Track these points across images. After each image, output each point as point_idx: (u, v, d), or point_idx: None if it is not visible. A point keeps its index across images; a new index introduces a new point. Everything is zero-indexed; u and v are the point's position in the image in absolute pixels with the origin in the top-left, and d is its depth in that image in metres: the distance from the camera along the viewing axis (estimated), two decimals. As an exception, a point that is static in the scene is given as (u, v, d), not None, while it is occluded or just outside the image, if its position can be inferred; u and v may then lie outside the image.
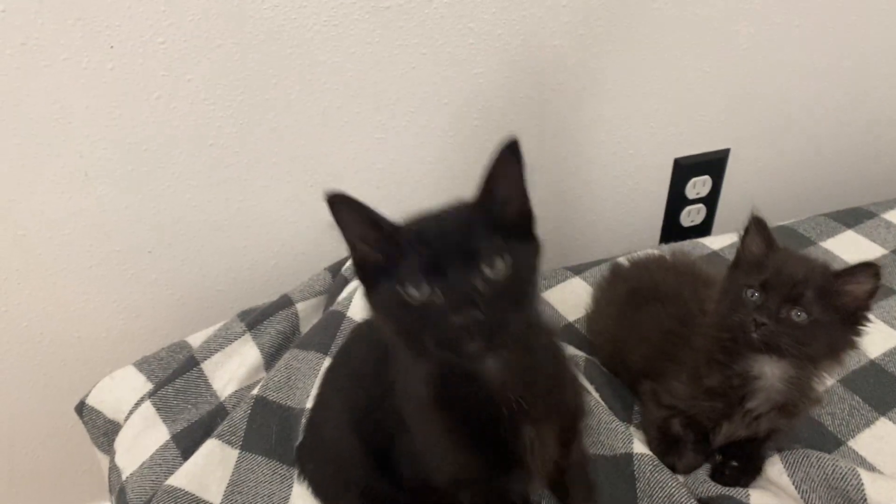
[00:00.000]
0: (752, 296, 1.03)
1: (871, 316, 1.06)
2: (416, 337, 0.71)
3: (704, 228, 1.94)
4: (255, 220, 1.54)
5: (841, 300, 1.02)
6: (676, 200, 1.87)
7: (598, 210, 1.83)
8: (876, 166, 2.04)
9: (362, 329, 1.14)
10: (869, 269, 1.01)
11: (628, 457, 1.12)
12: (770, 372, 1.06)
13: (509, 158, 0.74)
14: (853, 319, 1.04)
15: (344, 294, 1.37)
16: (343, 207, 0.71)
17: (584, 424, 0.99)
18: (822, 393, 1.15)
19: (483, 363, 0.76)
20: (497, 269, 0.71)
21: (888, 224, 1.70)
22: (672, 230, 1.92)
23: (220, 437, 1.18)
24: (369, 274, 0.74)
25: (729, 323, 1.04)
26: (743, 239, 1.10)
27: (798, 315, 1.00)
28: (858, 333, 1.06)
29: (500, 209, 0.73)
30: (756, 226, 1.09)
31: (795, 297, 1.00)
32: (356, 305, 1.34)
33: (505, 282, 0.71)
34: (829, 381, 1.13)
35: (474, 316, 0.68)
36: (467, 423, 0.83)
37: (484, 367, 0.78)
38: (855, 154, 2.00)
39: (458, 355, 0.70)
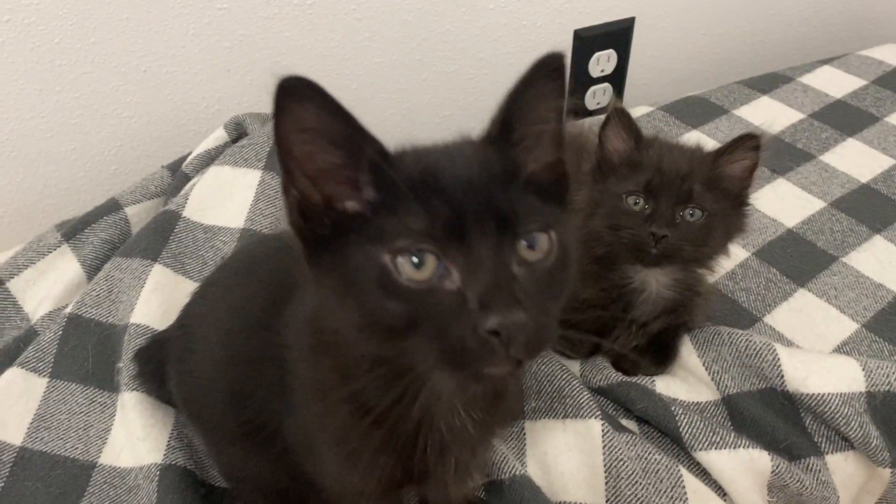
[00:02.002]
0: (634, 204, 0.88)
1: (752, 192, 0.94)
2: (403, 340, 0.48)
3: (612, 111, 1.77)
4: (80, 115, 1.29)
5: (726, 183, 0.90)
6: (580, 79, 1.68)
7: (492, 93, 1.61)
8: (792, 30, 1.89)
9: (265, 246, 0.87)
10: (749, 141, 0.88)
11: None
12: (654, 280, 0.93)
13: (548, 84, 0.52)
14: (739, 200, 0.92)
15: (182, 192, 1.15)
16: (303, 103, 0.46)
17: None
18: (712, 284, 1.03)
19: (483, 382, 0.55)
20: (539, 247, 0.50)
21: (805, 88, 1.56)
22: (577, 115, 1.74)
23: (23, 364, 0.98)
24: (321, 224, 0.50)
25: (614, 240, 0.89)
26: (602, 136, 0.92)
27: (692, 214, 0.87)
28: (746, 215, 0.93)
29: (526, 159, 0.53)
30: (619, 118, 0.91)
31: (686, 195, 0.87)
32: (194, 204, 1.12)
33: (547, 268, 0.50)
34: (717, 272, 1.01)
35: (516, 319, 0.45)
36: (387, 438, 0.61)
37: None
38: (769, 18, 1.84)
39: (474, 372, 0.48)
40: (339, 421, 0.62)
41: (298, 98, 0.45)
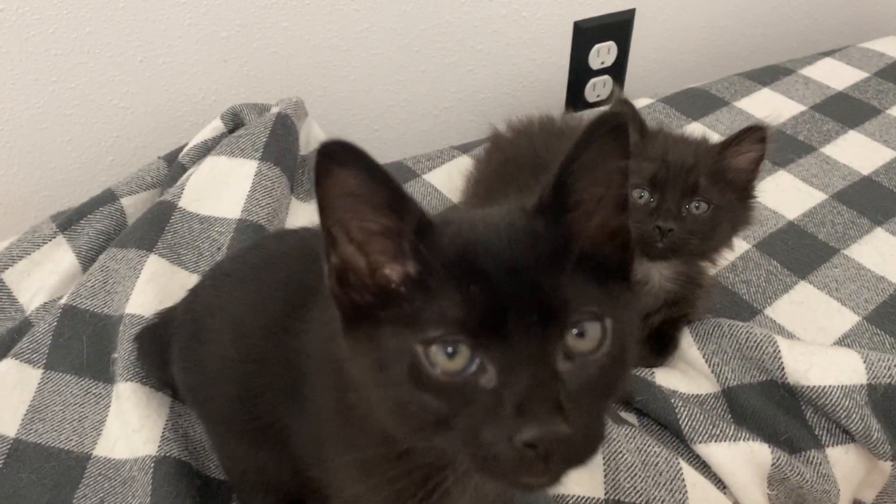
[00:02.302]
0: (640, 197, 0.87)
1: (757, 185, 0.93)
2: (434, 436, 0.45)
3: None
4: (75, 106, 1.28)
5: (731, 176, 0.89)
6: (580, 71, 1.67)
7: (492, 86, 1.62)
8: (793, 22, 1.87)
9: (285, 243, 0.82)
10: (755, 133, 0.87)
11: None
12: (657, 273, 0.92)
13: (608, 143, 0.46)
14: (745, 193, 0.91)
15: (178, 182, 1.14)
16: (346, 167, 0.43)
17: None
18: (712, 277, 1.02)
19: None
20: (590, 337, 0.46)
21: (807, 80, 1.55)
22: (577, 107, 1.73)
23: (17, 356, 0.97)
24: (360, 294, 0.47)
25: None
26: None
27: (698, 207, 0.86)
28: (752, 207, 0.93)
29: (582, 228, 0.48)
30: (623, 109, 0.90)
31: (692, 188, 0.85)
32: (190, 195, 1.11)
33: (598, 362, 0.46)
34: (719, 265, 1.01)
35: (555, 431, 0.41)
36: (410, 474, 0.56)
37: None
38: (771, 10, 1.83)
39: (503, 482, 0.45)
40: (362, 453, 0.59)
41: (341, 162, 0.43)
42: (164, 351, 0.84)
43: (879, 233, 1.19)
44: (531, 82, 1.65)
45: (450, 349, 0.44)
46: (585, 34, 1.61)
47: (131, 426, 0.89)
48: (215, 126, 1.23)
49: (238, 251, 0.95)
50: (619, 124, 0.47)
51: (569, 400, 0.42)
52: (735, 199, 0.90)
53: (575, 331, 0.45)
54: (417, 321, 0.45)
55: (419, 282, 0.45)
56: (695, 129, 1.37)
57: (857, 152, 1.35)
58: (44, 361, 0.97)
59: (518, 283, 0.44)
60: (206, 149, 1.20)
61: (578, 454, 0.44)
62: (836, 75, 1.56)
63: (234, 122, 1.23)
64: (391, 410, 0.47)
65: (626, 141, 0.47)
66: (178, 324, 0.82)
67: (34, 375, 0.96)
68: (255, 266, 0.79)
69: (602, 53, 1.65)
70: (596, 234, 0.48)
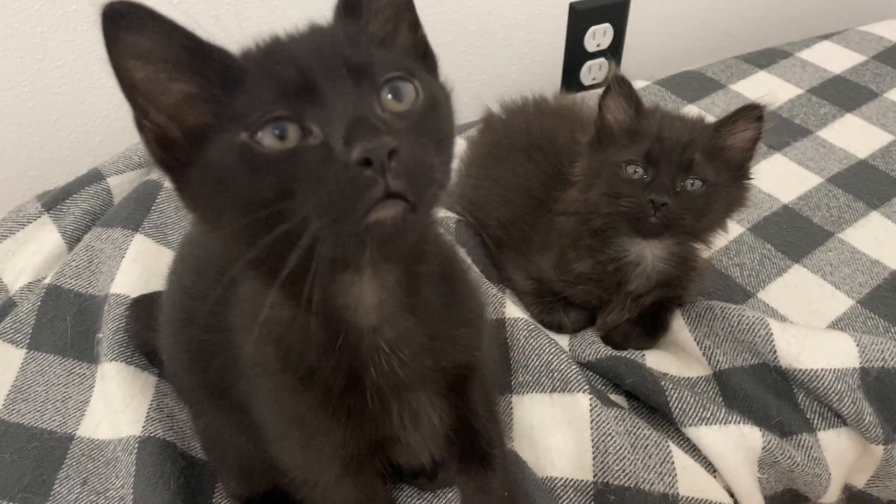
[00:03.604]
0: (634, 173, 0.86)
1: (753, 165, 0.92)
2: (283, 205, 0.44)
3: (608, 86, 1.74)
4: (62, 84, 1.26)
5: (727, 154, 0.88)
6: (575, 54, 1.65)
7: (486, 67, 1.60)
8: (791, 5, 1.85)
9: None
10: (751, 111, 0.86)
11: (500, 323, 0.93)
12: (650, 254, 0.91)
13: None
14: (741, 173, 0.90)
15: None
16: (136, 30, 0.42)
17: (481, 373, 0.71)
18: (706, 260, 1.01)
19: (377, 228, 0.46)
20: (406, 98, 0.48)
21: (804, 63, 1.53)
22: (572, 90, 1.71)
23: (0, 335, 0.96)
24: (183, 149, 0.47)
25: (613, 210, 0.86)
26: (602, 105, 0.90)
27: (692, 184, 0.85)
28: (747, 188, 0.92)
29: (381, 35, 0.51)
30: (619, 86, 0.89)
31: (687, 165, 0.84)
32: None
33: (417, 115, 0.47)
34: (712, 247, 0.99)
35: (382, 143, 0.42)
36: (327, 402, 0.58)
37: (357, 293, 0.53)
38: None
39: (360, 217, 0.43)
40: (283, 398, 0.59)
41: (130, 25, 0.42)
42: (151, 323, 0.83)
43: (875, 217, 1.17)
44: (526, 64, 1.63)
45: (276, 130, 0.44)
46: (581, 16, 1.59)
47: (115, 406, 0.88)
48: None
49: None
50: None
51: (393, 131, 0.44)
52: (730, 179, 0.88)
53: (388, 93, 0.47)
54: (237, 117, 0.45)
55: (230, 94, 0.46)
56: (691, 111, 1.35)
57: (853, 136, 1.34)
58: (27, 341, 0.95)
59: (324, 54, 0.46)
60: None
61: (415, 173, 0.44)
62: (834, 58, 1.54)
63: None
64: (241, 213, 0.45)
65: None
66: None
67: (17, 355, 0.95)
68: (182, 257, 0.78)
69: (598, 35, 1.63)
70: (398, 46, 0.52)
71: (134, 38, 0.43)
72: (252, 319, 0.57)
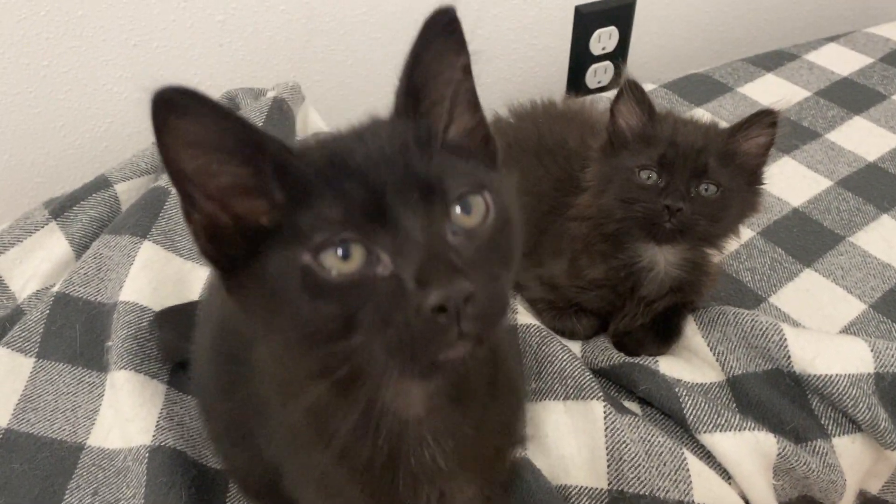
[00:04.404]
0: (647, 178, 0.85)
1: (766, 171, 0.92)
2: (345, 341, 0.42)
3: (613, 90, 1.73)
4: (68, 90, 1.25)
5: (741, 160, 0.87)
6: (581, 57, 1.65)
7: (491, 71, 1.59)
8: (797, 8, 1.85)
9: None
10: (765, 117, 0.86)
11: (512, 329, 0.92)
12: (663, 259, 0.91)
13: (446, 42, 0.46)
14: (754, 178, 0.90)
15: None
16: (187, 116, 0.40)
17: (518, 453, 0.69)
18: (717, 265, 1.00)
19: (447, 372, 0.46)
20: (476, 211, 0.45)
21: (811, 65, 1.53)
22: (578, 93, 1.70)
23: (9, 344, 0.95)
24: (234, 245, 0.44)
25: (627, 215, 0.86)
26: (614, 110, 0.89)
27: (706, 189, 0.84)
28: (760, 193, 0.91)
29: (442, 127, 0.48)
30: (631, 92, 0.88)
31: (702, 170, 0.84)
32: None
33: (488, 233, 0.45)
34: (725, 252, 0.99)
35: (460, 288, 0.40)
36: (354, 473, 0.55)
37: (406, 389, 0.51)
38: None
39: (429, 361, 0.42)
40: (312, 463, 0.57)
41: (180, 111, 0.40)
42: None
43: (885, 220, 1.17)
44: (531, 67, 1.63)
45: (341, 251, 0.42)
46: (586, 19, 1.59)
47: (125, 415, 0.87)
48: (211, 111, 1.20)
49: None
50: (451, 20, 0.47)
51: (466, 265, 0.42)
52: (744, 184, 0.88)
53: (459, 208, 0.44)
54: (299, 234, 0.42)
55: (293, 204, 0.43)
56: (698, 114, 1.35)
57: (862, 138, 1.33)
58: (36, 350, 0.95)
59: (391, 169, 0.43)
60: (201, 134, 1.17)
61: (489, 314, 0.42)
62: (841, 61, 1.54)
63: (230, 106, 1.21)
64: (296, 338, 0.44)
65: (461, 35, 0.47)
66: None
67: (26, 364, 0.94)
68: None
69: (603, 38, 1.63)
70: (457, 133, 0.49)
71: (186, 125, 0.40)
72: (283, 388, 0.56)
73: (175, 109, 0.40)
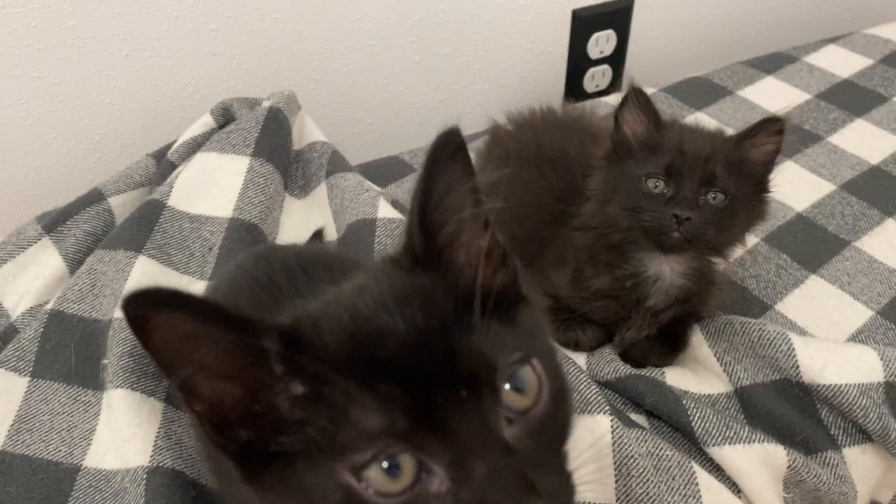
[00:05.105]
0: (655, 187, 0.84)
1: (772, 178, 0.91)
2: None
3: (611, 94, 1.72)
4: (60, 102, 1.24)
5: (748, 167, 0.86)
6: (578, 61, 1.63)
7: (489, 76, 1.58)
8: (796, 9, 1.84)
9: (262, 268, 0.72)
10: (772, 125, 0.85)
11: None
12: (669, 269, 0.89)
13: (453, 166, 0.43)
14: (761, 186, 0.89)
15: (167, 180, 1.10)
16: (163, 310, 0.35)
17: None
18: (723, 273, 0.99)
19: None
20: (529, 387, 0.41)
21: (811, 67, 1.51)
22: (576, 98, 1.69)
23: (2, 364, 0.93)
24: (252, 436, 0.39)
25: (633, 224, 0.84)
26: (618, 117, 0.88)
27: (714, 198, 0.83)
28: (767, 201, 0.90)
29: (459, 261, 0.43)
30: (636, 99, 0.87)
31: (710, 178, 0.82)
32: (180, 193, 1.08)
33: (540, 415, 0.41)
34: (730, 260, 0.98)
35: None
36: None
37: None
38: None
39: None
40: None
41: (157, 307, 0.35)
42: None
43: (890, 224, 1.16)
44: (529, 73, 1.62)
45: (386, 465, 0.37)
46: (584, 23, 1.58)
47: (122, 435, 0.85)
48: (205, 122, 1.18)
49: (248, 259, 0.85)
50: (457, 144, 0.43)
51: (531, 468, 0.38)
52: (751, 192, 0.87)
53: (509, 386, 0.40)
54: (334, 445, 0.37)
55: (314, 398, 0.38)
56: (698, 118, 1.33)
57: (864, 141, 1.32)
58: (30, 369, 0.93)
59: (434, 359, 0.38)
60: (195, 145, 1.16)
61: None
62: (841, 62, 1.52)
63: (225, 117, 1.19)
64: None
65: (468, 159, 0.44)
66: None
67: (20, 384, 0.92)
68: (227, 292, 0.72)
69: (601, 42, 1.61)
70: (474, 262, 0.43)
71: (164, 316, 0.36)
72: None
73: (152, 306, 0.35)
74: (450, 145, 0.43)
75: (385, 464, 0.37)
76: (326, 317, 0.41)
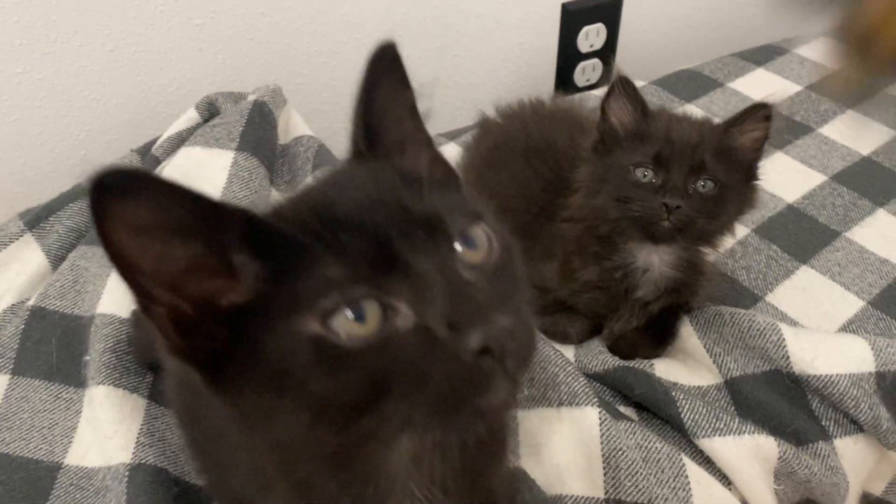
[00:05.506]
0: (643, 176, 0.83)
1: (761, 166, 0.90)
2: (374, 412, 0.38)
3: (602, 87, 1.71)
4: (44, 98, 1.22)
5: (736, 155, 0.85)
6: (568, 55, 1.62)
7: (479, 71, 1.57)
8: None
9: None
10: (759, 111, 0.84)
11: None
12: (658, 260, 0.89)
13: (391, 78, 0.46)
14: (750, 174, 0.88)
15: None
16: (128, 198, 0.34)
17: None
18: (713, 264, 0.98)
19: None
20: (480, 244, 0.43)
21: (802, 59, 1.51)
22: (566, 92, 1.68)
23: (-17, 362, 0.91)
24: (209, 336, 0.39)
25: (622, 214, 0.83)
26: (605, 107, 0.87)
27: (704, 186, 0.82)
28: (756, 189, 0.89)
29: (414, 160, 0.46)
30: (623, 88, 0.86)
31: (699, 166, 0.82)
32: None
33: (495, 265, 0.43)
34: (720, 251, 0.97)
35: (501, 325, 0.37)
36: None
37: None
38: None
39: (472, 412, 0.39)
40: None
41: (121, 193, 0.35)
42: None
43: (881, 214, 1.15)
44: (519, 67, 1.61)
45: (351, 313, 0.38)
46: (573, 16, 1.57)
47: (104, 432, 0.84)
48: (190, 116, 1.17)
49: None
50: (394, 57, 0.46)
51: (491, 300, 0.40)
52: (740, 179, 0.86)
53: (462, 244, 0.42)
54: (300, 302, 0.38)
55: (279, 273, 0.39)
56: (689, 111, 1.33)
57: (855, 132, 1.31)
58: (11, 367, 0.91)
59: (389, 212, 0.41)
60: (180, 140, 1.15)
61: (526, 348, 0.40)
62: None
63: (210, 111, 1.18)
64: (309, 421, 0.39)
65: (404, 72, 0.47)
66: None
67: (1, 381, 0.90)
68: None
69: (591, 36, 1.60)
70: (420, 169, 0.46)
71: (130, 209, 0.35)
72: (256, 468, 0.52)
73: (116, 192, 0.34)
74: (386, 57, 0.46)
75: (349, 313, 0.38)
76: (287, 201, 0.44)
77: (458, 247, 0.42)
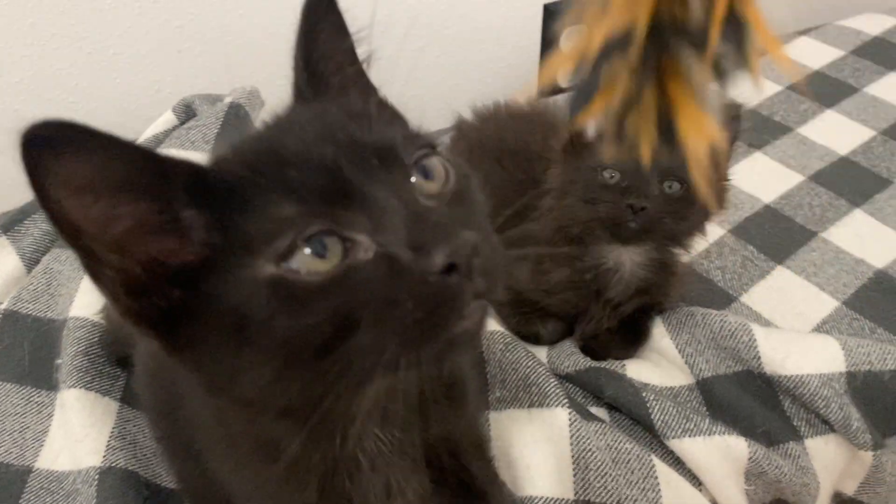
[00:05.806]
0: (610, 177, 0.83)
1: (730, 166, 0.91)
2: (342, 349, 0.36)
3: (586, 88, 1.71)
4: (22, 101, 1.22)
5: None
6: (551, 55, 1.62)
7: (461, 71, 1.57)
8: (768, 1, 1.83)
9: None
10: (728, 111, 0.83)
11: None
12: (629, 260, 0.89)
13: (328, 21, 0.47)
14: (718, 174, 0.87)
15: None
16: (65, 154, 0.33)
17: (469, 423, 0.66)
18: (686, 265, 0.98)
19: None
20: (437, 175, 0.43)
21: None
22: (550, 92, 1.68)
23: (-46, 367, 0.91)
24: (161, 296, 0.38)
25: (591, 216, 0.84)
26: None
27: (670, 186, 0.82)
28: (725, 189, 0.89)
29: (359, 97, 0.46)
30: None
31: (665, 168, 0.81)
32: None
33: (454, 194, 0.43)
34: (693, 251, 0.97)
35: (465, 238, 0.36)
36: (303, 478, 0.50)
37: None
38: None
39: (448, 336, 0.37)
40: (259, 480, 0.54)
41: (56, 148, 0.33)
42: None
43: (858, 214, 1.15)
44: (501, 68, 1.61)
45: (309, 249, 0.37)
46: (556, 17, 1.57)
47: (75, 435, 0.84)
48: (167, 119, 1.17)
49: None
50: (329, 2, 0.47)
51: (453, 221, 0.39)
52: None
53: (418, 175, 0.42)
54: (252, 248, 0.37)
55: (226, 223, 0.38)
56: (668, 111, 1.33)
57: (834, 132, 1.31)
58: (-18, 371, 0.91)
59: (339, 144, 0.40)
60: (157, 143, 1.14)
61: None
62: (813, 54, 1.52)
63: (187, 114, 1.18)
64: (276, 369, 0.38)
65: (341, 17, 0.48)
66: None
67: (-27, 385, 0.90)
68: None
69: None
70: (367, 111, 0.45)
71: (67, 165, 0.34)
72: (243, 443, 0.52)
73: (51, 147, 0.33)
74: (322, 2, 0.47)
75: (307, 249, 0.37)
76: (231, 149, 0.43)
77: (413, 179, 0.41)
